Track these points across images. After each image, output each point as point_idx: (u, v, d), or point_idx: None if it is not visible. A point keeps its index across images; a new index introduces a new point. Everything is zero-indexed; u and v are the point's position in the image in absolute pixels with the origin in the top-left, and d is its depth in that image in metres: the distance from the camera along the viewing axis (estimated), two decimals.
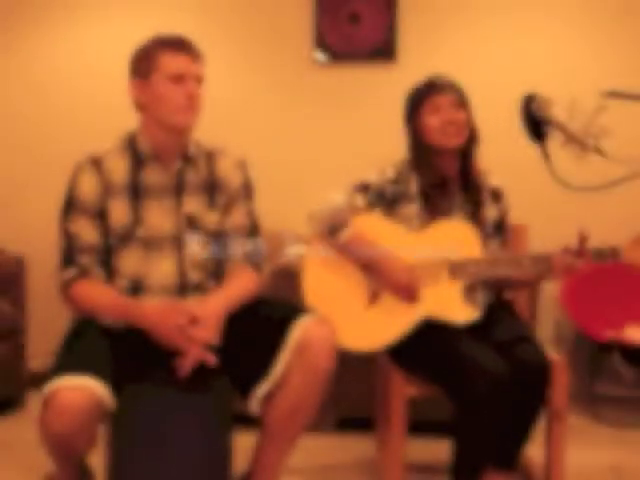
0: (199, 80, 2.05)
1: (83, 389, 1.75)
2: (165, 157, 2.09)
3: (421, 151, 2.38)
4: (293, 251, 3.30)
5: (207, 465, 1.97)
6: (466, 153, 2.39)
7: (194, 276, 2.11)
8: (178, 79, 2.00)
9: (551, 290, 3.48)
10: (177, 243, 2.10)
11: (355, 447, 2.93)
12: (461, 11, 3.82)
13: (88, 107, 3.97)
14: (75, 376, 1.76)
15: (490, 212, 2.43)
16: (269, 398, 1.99)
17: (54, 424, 1.75)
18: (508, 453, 2.30)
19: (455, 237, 2.31)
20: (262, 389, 1.97)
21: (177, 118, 2.03)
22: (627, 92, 1.99)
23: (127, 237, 2.07)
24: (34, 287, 3.45)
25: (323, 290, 2.32)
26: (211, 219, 2.13)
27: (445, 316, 2.26)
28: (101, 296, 2.01)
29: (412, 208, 2.36)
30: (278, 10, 3.90)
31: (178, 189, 2.10)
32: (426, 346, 2.23)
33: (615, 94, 1.94)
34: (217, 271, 2.17)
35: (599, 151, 1.98)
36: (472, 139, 2.38)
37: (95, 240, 2.05)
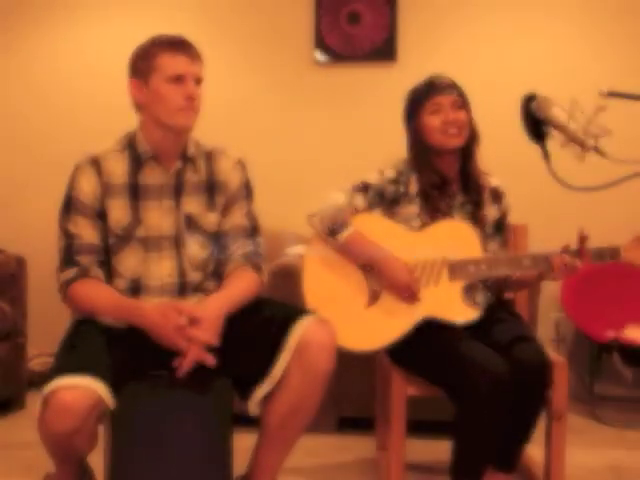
0: (198, 81, 2.05)
1: (83, 389, 1.75)
2: (164, 157, 2.09)
3: (421, 151, 2.38)
4: (293, 251, 3.30)
5: (207, 465, 1.97)
6: (466, 153, 2.39)
7: (194, 276, 2.11)
8: (177, 80, 2.00)
9: (551, 290, 3.48)
10: (176, 243, 2.10)
11: (355, 447, 2.93)
12: (461, 11, 3.83)
13: (88, 107, 3.97)
14: (75, 376, 1.76)
15: (490, 212, 2.43)
16: (268, 399, 1.99)
17: (54, 424, 1.75)
18: (508, 453, 2.30)
19: (455, 237, 2.31)
20: (261, 390, 1.97)
21: (176, 119, 2.02)
22: (627, 92, 1.98)
23: (126, 237, 2.07)
24: (34, 287, 3.45)
25: (323, 290, 2.32)
26: (210, 219, 2.13)
27: (445, 316, 2.26)
28: (101, 296, 2.01)
29: (412, 208, 2.36)
30: (278, 10, 3.91)
31: (177, 189, 2.10)
32: (426, 346, 2.23)
33: (615, 94, 1.94)
34: (217, 271, 2.17)
35: (599, 151, 1.98)
36: (472, 139, 2.38)
37: (95, 240, 2.05)
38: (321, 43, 3.85)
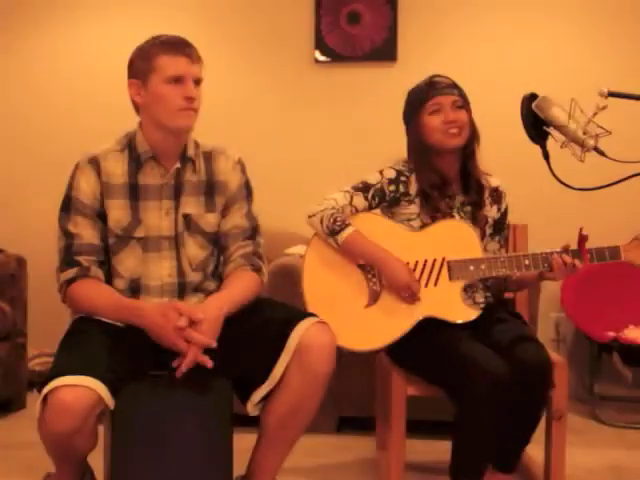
0: (198, 81, 2.04)
1: (83, 388, 1.75)
2: (164, 158, 2.09)
3: (421, 151, 2.38)
4: (293, 251, 3.30)
5: (207, 465, 1.97)
6: (466, 153, 2.38)
7: (193, 277, 2.11)
8: (177, 80, 2.00)
9: (551, 290, 3.48)
10: (176, 244, 2.09)
11: (355, 447, 2.94)
12: (461, 11, 3.83)
13: (88, 107, 3.97)
14: (75, 375, 1.76)
15: (490, 212, 2.43)
16: (268, 400, 1.98)
17: (54, 423, 1.75)
18: (508, 454, 2.30)
19: (455, 237, 2.31)
20: (261, 391, 1.96)
21: (176, 119, 2.02)
22: (627, 92, 1.99)
23: (126, 237, 2.06)
24: (34, 287, 3.45)
25: (323, 290, 2.32)
26: (210, 220, 2.13)
27: (445, 316, 2.26)
28: (101, 296, 2.01)
29: (412, 208, 2.36)
30: (278, 10, 3.91)
31: (177, 190, 2.10)
32: (426, 346, 2.23)
33: (615, 94, 1.94)
34: (216, 272, 2.17)
35: (599, 151, 1.98)
36: (472, 139, 2.37)
37: (94, 240, 2.05)
38: (321, 43, 3.85)
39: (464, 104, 2.35)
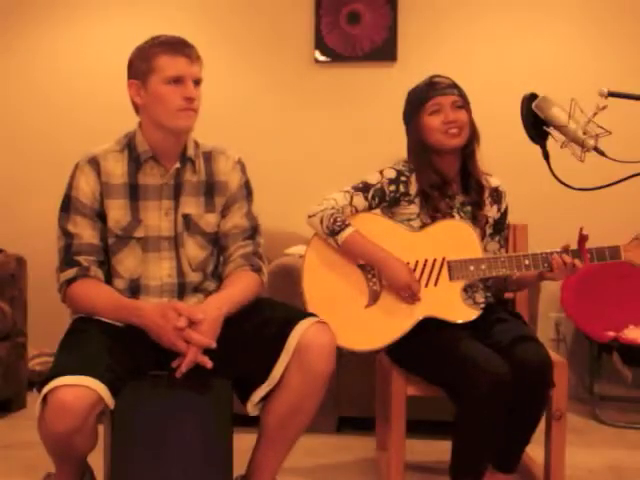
0: (197, 81, 2.04)
1: (83, 388, 1.74)
2: (164, 158, 2.09)
3: (421, 151, 2.38)
4: (293, 251, 3.30)
5: (207, 465, 1.97)
6: (466, 153, 2.38)
7: (193, 277, 2.11)
8: (176, 81, 2.00)
9: (551, 290, 3.49)
10: (176, 244, 2.09)
11: (355, 447, 2.93)
12: (461, 11, 3.83)
13: (88, 107, 3.97)
14: (75, 375, 1.76)
15: (490, 212, 2.43)
16: (268, 400, 1.98)
17: (54, 423, 1.75)
18: (509, 454, 2.30)
19: (455, 237, 2.31)
20: (261, 391, 1.96)
21: (176, 120, 2.02)
22: (627, 92, 1.99)
23: (125, 238, 2.06)
24: (34, 287, 3.45)
25: (323, 290, 2.32)
26: (209, 220, 2.13)
27: (445, 316, 2.26)
28: (100, 296, 2.01)
29: (412, 208, 2.36)
30: (278, 10, 3.91)
31: (177, 190, 2.10)
32: (426, 346, 2.23)
33: (615, 94, 1.94)
34: (216, 272, 2.17)
35: (599, 151, 1.98)
36: (472, 139, 2.37)
37: (94, 240, 2.05)
38: (321, 43, 3.85)
39: (464, 104, 2.35)
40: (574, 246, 2.22)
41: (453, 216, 2.36)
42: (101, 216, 2.06)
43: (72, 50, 4.01)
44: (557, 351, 3.58)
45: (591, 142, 1.98)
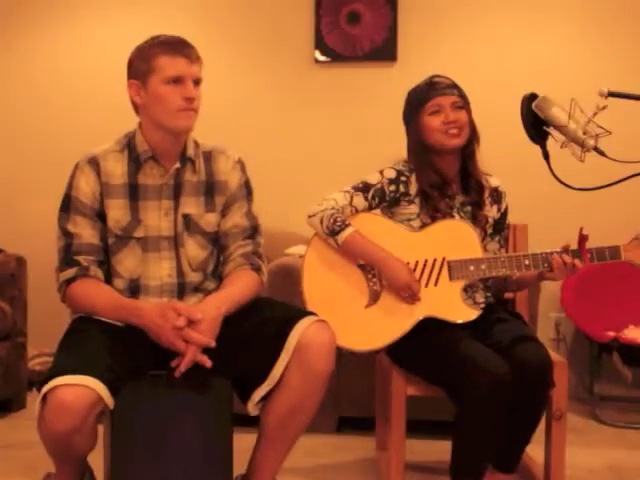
0: (197, 81, 2.04)
1: (83, 388, 1.74)
2: (164, 158, 2.09)
3: (421, 151, 2.38)
4: (293, 251, 3.30)
5: (207, 465, 1.97)
6: (466, 153, 2.38)
7: (193, 277, 2.11)
8: (176, 81, 2.00)
9: (551, 290, 3.49)
10: (175, 244, 2.09)
11: (355, 447, 2.93)
12: (461, 11, 3.83)
13: (88, 107, 3.97)
14: (74, 375, 1.76)
15: (490, 212, 2.43)
16: (268, 399, 1.98)
17: (54, 423, 1.75)
18: (509, 454, 2.30)
19: (455, 237, 2.31)
20: (261, 390, 1.96)
21: (175, 120, 2.02)
22: (627, 92, 1.99)
23: (125, 238, 2.06)
24: (34, 287, 3.45)
25: (323, 290, 2.32)
26: (209, 220, 2.13)
27: (445, 316, 2.26)
28: (100, 296, 2.01)
29: (412, 208, 2.36)
30: (278, 10, 3.91)
31: (176, 190, 2.10)
32: (426, 346, 2.23)
33: (615, 94, 1.94)
34: (216, 272, 2.17)
35: (599, 151, 1.98)
36: (472, 139, 2.37)
37: (94, 240, 2.05)
38: (321, 43, 3.85)
39: (464, 104, 2.35)
40: (574, 246, 2.22)
41: (453, 216, 2.36)
42: (101, 216, 2.06)
43: (72, 50, 4.01)
44: (557, 351, 3.58)
45: (591, 142, 1.98)
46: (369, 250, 2.28)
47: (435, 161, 2.37)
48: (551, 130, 2.07)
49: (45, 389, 1.75)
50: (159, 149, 2.08)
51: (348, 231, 2.27)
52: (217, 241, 2.15)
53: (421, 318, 2.26)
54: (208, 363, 1.91)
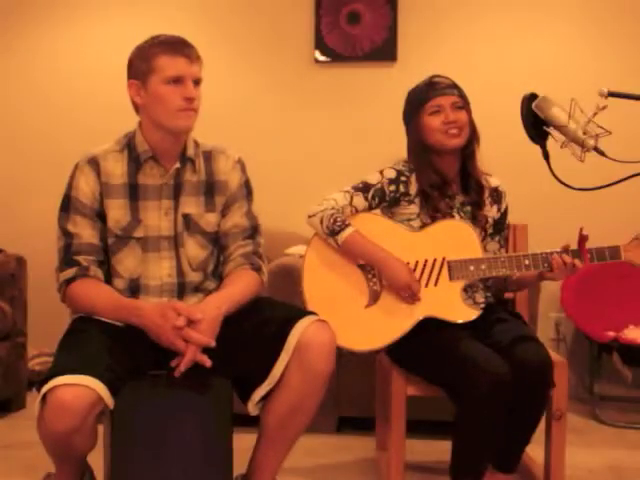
0: (197, 81, 2.04)
1: (82, 387, 1.74)
2: (164, 158, 2.09)
3: (421, 151, 2.38)
4: (293, 251, 3.30)
5: (207, 465, 1.97)
6: (466, 153, 2.38)
7: (193, 277, 2.11)
8: (176, 81, 2.00)
9: (551, 290, 3.49)
10: (175, 244, 2.09)
11: (355, 447, 2.93)
12: (461, 11, 3.83)
13: (88, 107, 3.97)
14: (74, 375, 1.76)
15: (490, 212, 2.43)
16: (268, 399, 1.98)
17: (53, 422, 1.75)
18: (509, 454, 2.30)
19: (455, 237, 2.31)
20: (261, 390, 1.96)
21: (175, 120, 2.02)
22: (627, 92, 1.99)
23: (125, 237, 2.06)
24: (34, 287, 3.45)
25: (323, 290, 2.32)
26: (210, 220, 2.13)
27: (445, 316, 2.26)
28: (100, 296, 2.01)
29: (412, 208, 2.36)
30: (278, 10, 3.91)
31: (176, 190, 2.10)
32: (426, 346, 2.23)
33: (615, 94, 1.94)
34: (216, 272, 2.17)
35: (599, 151, 1.98)
36: (472, 139, 2.37)
37: (94, 240, 2.05)
38: (321, 43, 3.85)
39: (464, 104, 2.35)
40: (574, 246, 2.22)
41: (453, 216, 2.36)
42: (101, 216, 2.06)
43: (72, 50, 4.01)
44: (557, 351, 3.58)
45: (591, 142, 1.98)
46: (369, 250, 2.28)
47: (435, 161, 2.37)
48: (551, 130, 2.07)
49: (45, 389, 1.75)
50: (159, 149, 2.08)
51: (348, 231, 2.27)
52: (217, 241, 2.15)
53: (421, 318, 2.26)
54: (208, 363, 1.91)
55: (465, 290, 2.31)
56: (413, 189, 2.37)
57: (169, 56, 2.00)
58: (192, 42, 2.06)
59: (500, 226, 2.47)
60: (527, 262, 2.24)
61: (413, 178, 2.37)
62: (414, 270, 2.29)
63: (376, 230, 2.32)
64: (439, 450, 2.75)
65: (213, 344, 1.92)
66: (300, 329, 1.94)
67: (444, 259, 2.28)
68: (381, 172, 2.37)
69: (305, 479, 2.60)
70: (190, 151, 2.12)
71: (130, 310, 1.96)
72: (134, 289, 2.07)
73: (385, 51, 3.82)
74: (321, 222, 2.29)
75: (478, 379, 2.05)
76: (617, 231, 2.56)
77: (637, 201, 3.61)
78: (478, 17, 3.83)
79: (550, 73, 3.71)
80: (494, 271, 2.26)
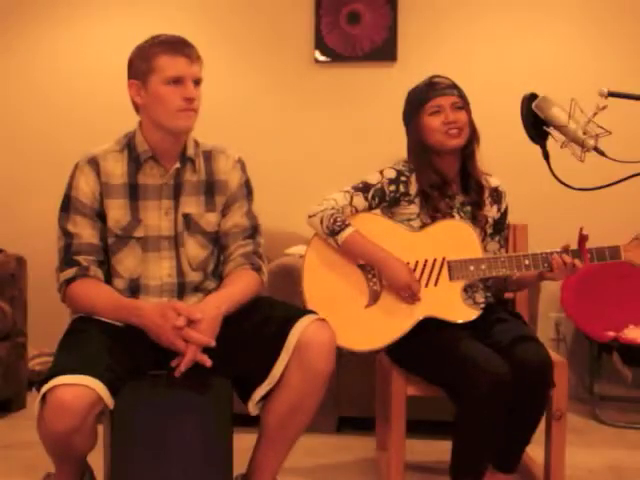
0: (197, 81, 2.04)
1: (82, 387, 1.74)
2: (164, 158, 2.09)
3: (421, 151, 2.38)
4: (293, 251, 3.30)
5: (207, 465, 1.97)
6: (466, 153, 2.38)
7: (193, 277, 2.11)
8: (176, 81, 2.00)
9: (551, 290, 3.48)
10: (176, 243, 2.09)
11: (355, 447, 2.93)
12: (461, 11, 3.83)
13: (88, 107, 3.97)
14: (74, 375, 1.76)
15: (490, 212, 2.43)
16: (268, 399, 1.99)
17: (53, 422, 1.75)
18: (509, 454, 2.30)
19: (455, 237, 2.31)
20: (261, 390, 1.97)
21: (175, 120, 2.02)
22: (627, 92, 1.99)
23: (125, 237, 2.06)
24: (34, 287, 3.45)
25: (323, 290, 2.32)
26: (210, 219, 2.13)
27: (445, 316, 2.26)
28: (100, 296, 2.01)
29: (412, 208, 2.36)
30: (278, 10, 3.91)
31: (177, 189, 2.10)
32: (426, 346, 2.23)
33: (615, 94, 1.94)
34: (216, 272, 2.17)
35: (599, 151, 1.98)
36: (472, 139, 2.37)
37: (94, 240, 2.05)
38: (321, 43, 3.85)
39: (464, 105, 2.35)
40: (574, 246, 2.22)
41: (453, 216, 2.36)
42: (101, 216, 2.06)
43: (72, 50, 4.01)
44: (557, 351, 3.58)
45: (591, 142, 1.98)
46: (369, 250, 2.28)
47: (435, 161, 2.37)
48: (551, 130, 2.07)
49: (45, 389, 1.75)
50: (159, 149, 2.08)
51: (348, 231, 2.27)
52: (217, 241, 2.15)
53: (421, 318, 2.26)
54: (208, 363, 1.91)
55: (465, 290, 2.31)
56: (413, 189, 2.37)
57: (169, 56, 2.00)
58: (192, 42, 2.06)
59: (500, 226, 2.47)
60: (527, 262, 2.24)
61: (413, 178, 2.37)
62: (414, 270, 2.29)
63: (376, 230, 2.32)
64: (439, 450, 2.75)
65: (213, 344, 1.92)
66: (300, 328, 1.94)
67: (444, 259, 2.28)
68: (381, 172, 2.37)
69: (305, 479, 2.60)
70: (190, 151, 2.12)
71: (130, 310, 1.96)
72: (134, 289, 2.07)
73: (385, 51, 3.82)
74: (321, 222, 2.29)
75: (478, 379, 2.05)
76: (617, 231, 2.56)
77: (637, 201, 3.62)
78: (478, 17, 3.83)
79: (550, 73, 3.71)
80: (494, 271, 2.26)
